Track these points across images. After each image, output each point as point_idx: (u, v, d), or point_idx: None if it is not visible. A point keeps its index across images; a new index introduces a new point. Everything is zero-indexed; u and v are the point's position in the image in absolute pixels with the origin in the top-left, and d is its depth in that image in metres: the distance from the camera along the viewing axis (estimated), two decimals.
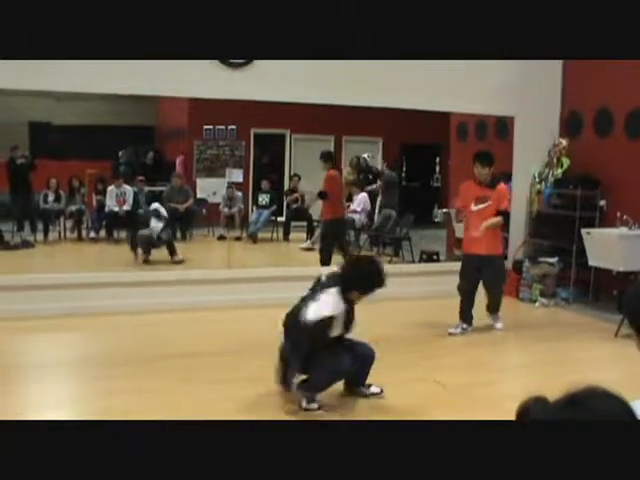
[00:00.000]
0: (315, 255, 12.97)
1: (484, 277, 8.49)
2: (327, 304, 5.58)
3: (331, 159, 12.08)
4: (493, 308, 8.75)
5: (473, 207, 8.37)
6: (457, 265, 11.62)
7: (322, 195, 11.83)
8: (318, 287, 5.85)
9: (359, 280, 5.76)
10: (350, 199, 15.05)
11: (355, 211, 14.38)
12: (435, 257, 12.82)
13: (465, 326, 8.56)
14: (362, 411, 5.81)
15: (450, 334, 8.43)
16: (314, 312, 5.55)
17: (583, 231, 9.90)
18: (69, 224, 15.30)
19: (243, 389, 6.16)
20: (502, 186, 8.53)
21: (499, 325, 8.73)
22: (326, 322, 5.54)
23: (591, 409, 1.41)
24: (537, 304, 10.26)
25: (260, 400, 5.95)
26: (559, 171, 10.81)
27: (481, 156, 8.41)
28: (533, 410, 1.47)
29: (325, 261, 11.48)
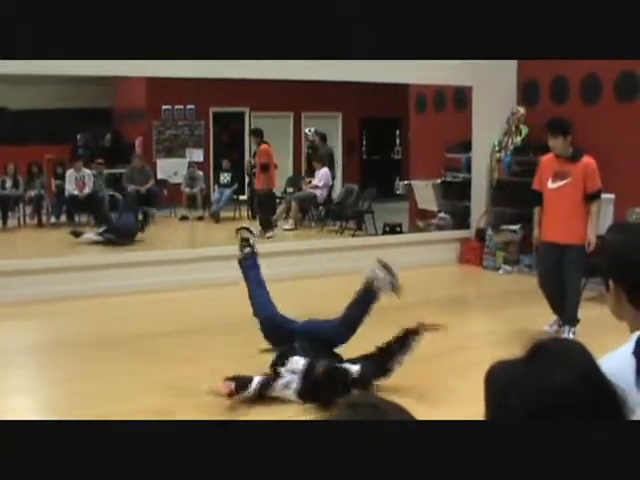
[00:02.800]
0: (282, 233, 13.01)
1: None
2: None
3: (261, 135, 13.51)
4: (565, 313, 7.26)
5: (550, 184, 7.07)
6: (420, 236, 11.74)
7: (265, 167, 12.99)
8: None
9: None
10: (312, 174, 15.03)
11: (317, 186, 14.36)
12: (398, 229, 12.87)
13: (562, 322, 7.29)
14: None
15: (545, 332, 7.19)
16: None
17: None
18: (28, 210, 15.11)
19: (211, 366, 6.15)
20: (588, 160, 7.02)
21: (569, 335, 7.01)
22: None
23: (552, 360, 1.43)
24: (501, 271, 10.35)
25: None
26: (518, 139, 10.89)
27: (550, 124, 7.12)
28: (496, 371, 1.48)
29: (264, 226, 12.71)
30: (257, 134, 13.61)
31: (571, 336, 6.89)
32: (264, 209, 13.37)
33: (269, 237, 12.18)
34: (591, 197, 6.94)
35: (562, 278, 7.05)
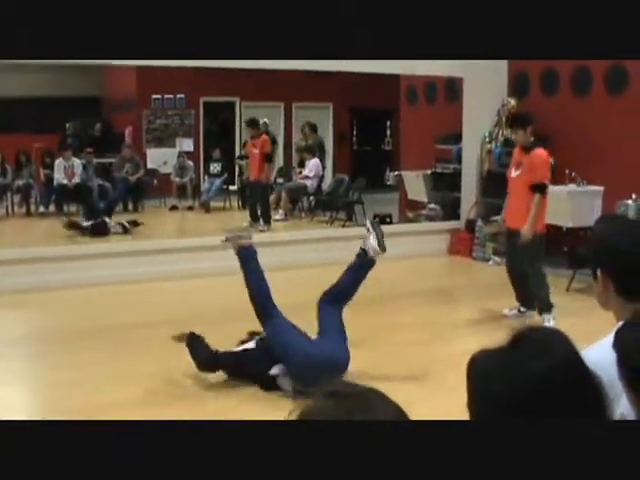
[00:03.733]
0: (273, 224, 12.97)
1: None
2: None
3: (258, 125, 13.17)
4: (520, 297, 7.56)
5: (512, 173, 7.46)
6: (410, 227, 11.76)
7: (269, 158, 12.73)
8: None
9: None
10: (302, 165, 15.02)
11: (307, 177, 14.35)
12: (388, 220, 12.87)
13: (523, 309, 7.57)
14: None
15: (504, 316, 7.55)
16: None
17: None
18: (17, 199, 15.05)
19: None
20: (538, 152, 7.32)
21: (548, 322, 7.13)
22: None
23: (533, 349, 1.43)
24: (490, 262, 10.37)
25: None
26: (508, 131, 10.88)
27: (511, 120, 7.59)
28: (479, 360, 1.48)
29: (266, 219, 12.52)
30: (254, 124, 13.17)
31: (551, 322, 7.06)
32: (265, 200, 13.02)
33: (262, 230, 12.06)
34: (534, 188, 7.13)
35: (517, 264, 7.38)
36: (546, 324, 6.97)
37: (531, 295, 7.41)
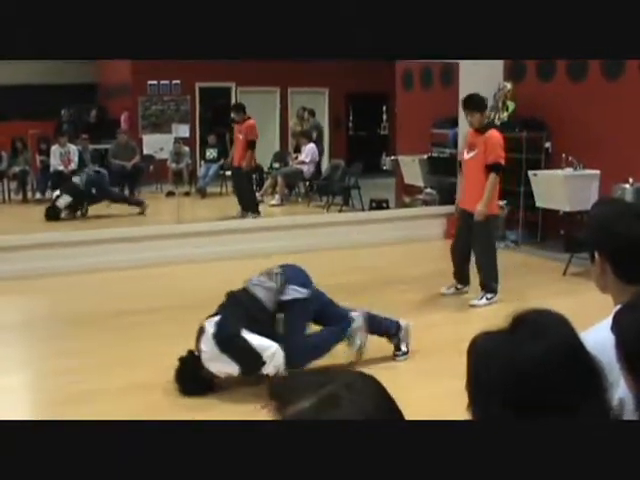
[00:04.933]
0: (265, 208, 12.96)
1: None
2: None
3: (244, 109, 12.56)
4: (480, 280, 7.68)
5: (465, 155, 7.62)
6: (406, 212, 11.78)
7: (252, 144, 12.14)
8: None
9: None
10: (298, 150, 15.00)
11: (303, 162, 14.34)
12: (385, 205, 12.87)
13: (460, 286, 7.86)
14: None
15: (442, 294, 7.85)
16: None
17: (530, 173, 10.03)
18: (13, 186, 15.02)
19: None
20: (492, 133, 7.44)
21: (475, 301, 7.54)
22: None
23: (531, 331, 1.45)
24: None
25: None
26: (505, 115, 10.89)
27: (464, 101, 7.60)
28: (479, 342, 1.49)
29: (253, 208, 12.06)
30: (240, 109, 12.69)
31: (484, 301, 7.44)
32: (248, 188, 12.64)
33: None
34: (489, 168, 7.28)
35: (467, 244, 7.55)
36: (474, 302, 7.44)
37: (479, 276, 7.58)
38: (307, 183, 14.71)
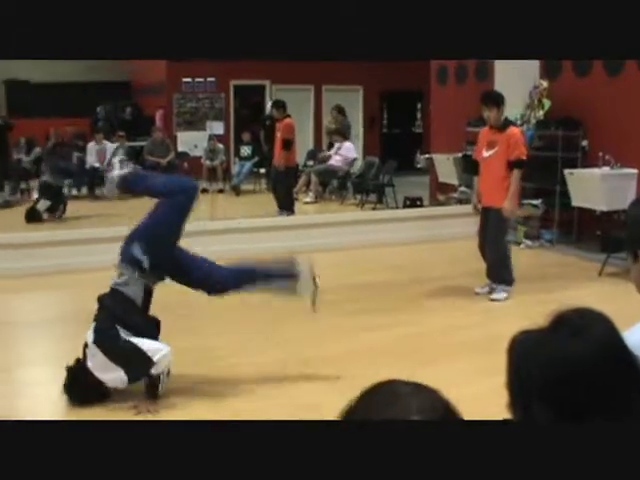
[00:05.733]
0: (299, 206, 12.97)
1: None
2: None
3: (284, 107, 12.36)
4: (488, 273, 7.72)
5: (484, 153, 7.54)
6: (440, 210, 11.73)
7: (288, 144, 11.99)
8: None
9: None
10: (331, 147, 15.01)
11: (338, 160, 14.33)
12: (419, 203, 12.83)
13: (494, 285, 7.71)
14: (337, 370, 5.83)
15: (477, 294, 7.72)
16: None
17: (566, 172, 9.94)
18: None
19: (229, 336, 6.20)
20: (513, 130, 7.47)
21: (496, 295, 7.60)
22: None
23: (573, 330, 1.43)
24: (522, 246, 10.30)
25: (246, 344, 5.97)
26: (540, 113, 10.79)
27: (484, 97, 7.58)
28: (519, 341, 1.48)
29: (288, 206, 12.04)
30: (279, 106, 12.42)
31: (502, 295, 7.51)
32: (284, 187, 12.36)
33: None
34: (512, 165, 7.29)
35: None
36: (495, 295, 7.50)
37: (497, 270, 7.60)
38: (340, 181, 14.68)
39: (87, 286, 8.25)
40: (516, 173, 7.30)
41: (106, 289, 5.28)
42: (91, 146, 15.10)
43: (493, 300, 7.51)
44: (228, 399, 4.98)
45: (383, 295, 7.76)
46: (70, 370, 5.07)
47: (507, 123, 7.52)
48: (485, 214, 7.61)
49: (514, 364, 1.47)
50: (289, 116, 12.30)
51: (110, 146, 15.15)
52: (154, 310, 5.37)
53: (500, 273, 7.62)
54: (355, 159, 14.72)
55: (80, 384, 5.00)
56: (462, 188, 12.32)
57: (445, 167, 12.86)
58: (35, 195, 12.59)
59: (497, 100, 7.44)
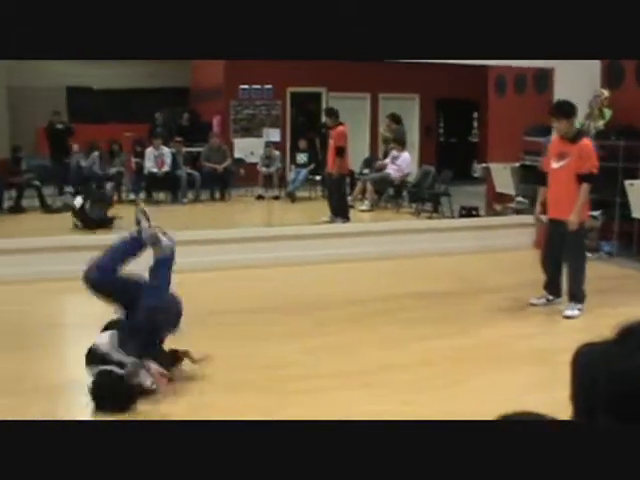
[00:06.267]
0: (355, 213, 12.98)
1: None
2: None
3: (337, 115, 12.37)
4: (570, 290, 7.46)
5: (554, 164, 7.33)
6: (496, 220, 11.63)
7: (341, 151, 12.05)
8: None
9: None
10: (386, 156, 14.99)
11: (394, 169, 14.30)
12: (474, 212, 12.74)
13: (551, 297, 7.64)
14: (394, 377, 5.80)
15: (532, 304, 7.61)
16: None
17: (626, 183, 9.78)
18: (109, 186, 15.38)
19: (283, 344, 6.21)
20: (585, 141, 7.26)
21: (569, 312, 7.33)
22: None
23: (637, 342, 1.40)
24: None
25: (297, 355, 5.98)
26: (601, 123, 10.64)
27: (553, 108, 7.39)
28: (583, 353, 1.46)
29: (343, 213, 12.02)
30: (332, 114, 12.48)
31: (577, 312, 7.27)
32: (338, 194, 12.44)
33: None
34: (581, 178, 7.12)
35: (560, 254, 7.42)
36: (568, 312, 7.28)
37: (570, 285, 7.42)
38: (396, 189, 14.64)
39: None
40: (585, 186, 7.13)
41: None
42: (149, 151, 15.28)
43: (566, 317, 7.25)
44: (279, 410, 4.98)
45: (437, 305, 7.71)
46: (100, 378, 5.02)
47: (579, 134, 7.35)
48: (553, 226, 7.43)
49: (579, 376, 1.45)
50: (342, 123, 12.30)
51: (167, 151, 15.32)
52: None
53: (577, 289, 7.39)
54: (409, 174, 14.63)
55: (109, 392, 4.94)
56: (519, 198, 12.20)
57: (502, 177, 12.75)
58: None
59: (566, 111, 7.21)
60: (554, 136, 7.63)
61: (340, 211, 12.14)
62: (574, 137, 7.21)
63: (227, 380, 5.41)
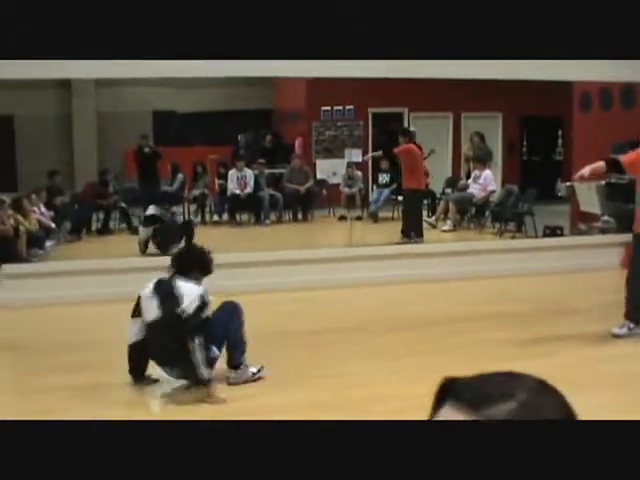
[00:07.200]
0: (437, 234, 12.93)
1: None
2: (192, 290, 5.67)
3: (409, 135, 13.07)
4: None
5: None
6: (580, 239, 11.41)
7: (411, 169, 12.51)
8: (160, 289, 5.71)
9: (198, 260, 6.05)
10: (469, 176, 14.90)
11: (477, 188, 14.20)
12: (559, 232, 12.54)
13: (632, 325, 7.09)
14: None
15: (614, 335, 7.07)
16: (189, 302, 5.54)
17: None
18: (192, 208, 15.68)
19: (363, 364, 6.22)
20: None
21: (617, 330, 7.06)
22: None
23: None
24: None
25: (377, 377, 5.98)
26: None
27: None
28: None
29: (416, 231, 12.16)
30: (403, 133, 13.12)
31: (624, 330, 6.95)
32: (411, 211, 12.74)
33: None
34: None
35: None
36: (618, 331, 6.94)
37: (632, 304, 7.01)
38: (478, 209, 14.52)
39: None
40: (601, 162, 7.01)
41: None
42: (232, 173, 15.52)
43: (616, 336, 7.00)
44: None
45: (521, 325, 7.62)
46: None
47: None
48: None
49: None
50: (413, 142, 12.79)
51: (250, 173, 15.52)
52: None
53: (630, 308, 7.05)
54: (494, 191, 14.52)
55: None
56: (605, 217, 11.96)
57: (587, 195, 12.52)
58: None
59: None
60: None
61: (414, 228, 12.28)
62: None
63: (310, 398, 5.45)
